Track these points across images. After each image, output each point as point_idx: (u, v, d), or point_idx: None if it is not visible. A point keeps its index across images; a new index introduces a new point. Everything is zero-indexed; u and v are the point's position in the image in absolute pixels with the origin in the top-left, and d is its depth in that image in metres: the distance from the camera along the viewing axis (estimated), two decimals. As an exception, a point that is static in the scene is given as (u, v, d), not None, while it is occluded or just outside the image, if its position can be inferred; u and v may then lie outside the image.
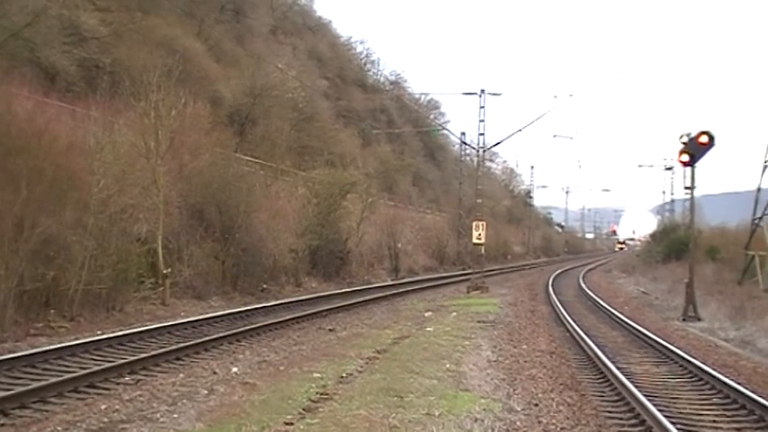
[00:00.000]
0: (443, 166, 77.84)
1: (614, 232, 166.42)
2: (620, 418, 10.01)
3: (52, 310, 15.66)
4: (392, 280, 37.63)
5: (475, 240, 32.82)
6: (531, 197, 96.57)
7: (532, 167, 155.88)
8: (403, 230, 43.17)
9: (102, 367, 11.39)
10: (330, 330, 17.82)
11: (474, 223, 32.90)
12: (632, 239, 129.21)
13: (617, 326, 20.89)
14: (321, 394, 9.98)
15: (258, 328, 16.97)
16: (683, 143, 22.39)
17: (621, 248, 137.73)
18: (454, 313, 22.16)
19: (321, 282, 31.16)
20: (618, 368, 12.83)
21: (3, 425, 8.52)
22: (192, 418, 8.81)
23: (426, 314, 21.98)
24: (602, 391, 11.69)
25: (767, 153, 31.55)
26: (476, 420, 9.08)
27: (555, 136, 76.15)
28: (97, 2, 28.38)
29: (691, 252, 25.49)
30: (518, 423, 9.26)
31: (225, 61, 39.86)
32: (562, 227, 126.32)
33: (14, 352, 12.26)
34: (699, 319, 22.06)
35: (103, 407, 9.25)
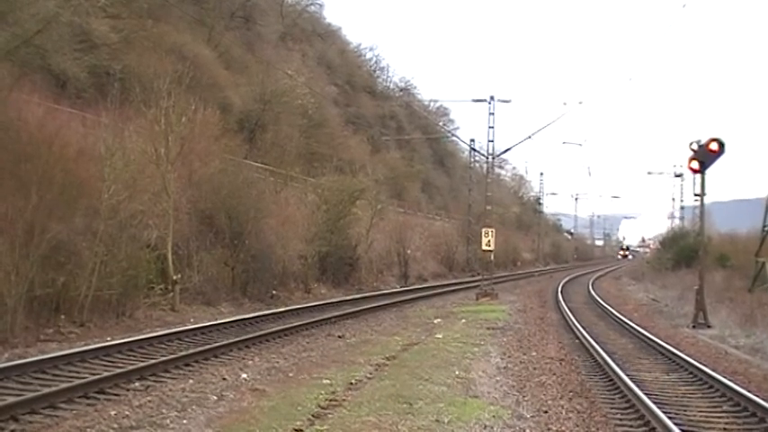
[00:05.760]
0: (452, 173, 77.82)
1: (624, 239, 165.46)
2: (630, 426, 9.98)
3: (62, 316, 15.70)
4: (401, 286, 37.56)
5: (484, 247, 32.76)
6: (540, 204, 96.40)
7: (542, 174, 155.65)
8: (412, 237, 43.13)
9: (112, 373, 11.40)
10: (339, 337, 17.83)
11: (483, 230, 32.84)
12: (641, 246, 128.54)
13: (626, 333, 20.82)
14: (330, 401, 10.00)
15: (267, 334, 16.97)
16: (693, 150, 22.30)
17: (625, 256, 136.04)
18: (463, 320, 22.14)
19: (330, 288, 31.15)
20: (627, 375, 12.79)
21: (13, 430, 8.56)
22: (202, 424, 8.83)
23: (435, 321, 21.98)
24: (612, 399, 11.65)
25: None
26: (485, 427, 9.08)
27: (564, 143, 76.12)
28: (108, 9, 28.47)
29: (701, 259, 25.37)
30: (527, 430, 9.26)
31: (235, 68, 39.98)
32: (571, 234, 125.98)
33: (25, 357, 12.31)
34: (709, 327, 21.94)
35: (113, 413, 9.27)
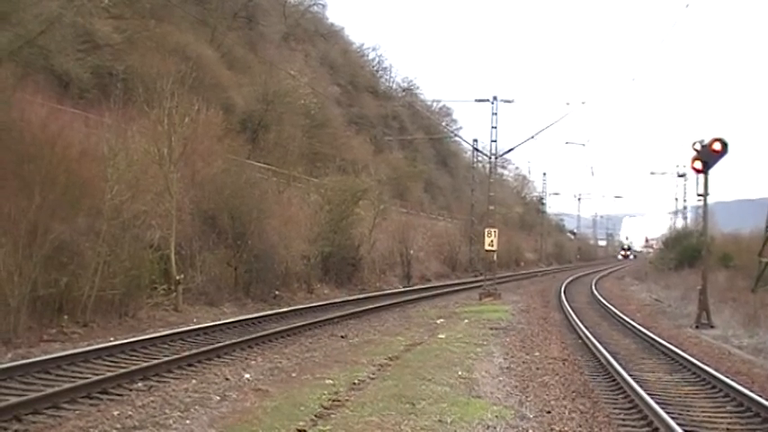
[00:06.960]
0: (455, 173, 77.75)
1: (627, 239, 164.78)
2: (633, 426, 9.97)
3: (65, 316, 15.69)
4: (404, 287, 37.57)
5: (487, 247, 32.76)
6: (543, 204, 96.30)
7: (545, 174, 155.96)
8: (415, 237, 43.11)
9: (115, 373, 11.41)
10: (342, 337, 17.83)
11: (486, 230, 32.84)
12: (645, 246, 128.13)
13: (630, 333, 20.80)
14: (333, 401, 9.99)
15: (270, 334, 16.98)
16: (696, 150, 22.28)
17: (626, 256, 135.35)
18: (466, 320, 22.13)
19: (333, 288, 31.15)
20: (630, 375, 12.78)
21: (17, 430, 8.57)
22: (205, 424, 8.84)
23: (438, 321, 21.97)
24: (615, 399, 11.64)
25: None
26: (488, 428, 9.07)
27: (567, 143, 76.36)
28: (111, 9, 28.53)
29: (704, 259, 25.35)
30: (530, 431, 9.24)
31: (237, 68, 40.00)
32: (574, 234, 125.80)
33: (28, 358, 12.32)
34: (712, 327, 21.92)
35: (116, 413, 9.28)
